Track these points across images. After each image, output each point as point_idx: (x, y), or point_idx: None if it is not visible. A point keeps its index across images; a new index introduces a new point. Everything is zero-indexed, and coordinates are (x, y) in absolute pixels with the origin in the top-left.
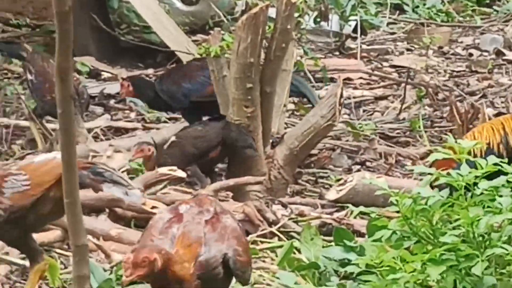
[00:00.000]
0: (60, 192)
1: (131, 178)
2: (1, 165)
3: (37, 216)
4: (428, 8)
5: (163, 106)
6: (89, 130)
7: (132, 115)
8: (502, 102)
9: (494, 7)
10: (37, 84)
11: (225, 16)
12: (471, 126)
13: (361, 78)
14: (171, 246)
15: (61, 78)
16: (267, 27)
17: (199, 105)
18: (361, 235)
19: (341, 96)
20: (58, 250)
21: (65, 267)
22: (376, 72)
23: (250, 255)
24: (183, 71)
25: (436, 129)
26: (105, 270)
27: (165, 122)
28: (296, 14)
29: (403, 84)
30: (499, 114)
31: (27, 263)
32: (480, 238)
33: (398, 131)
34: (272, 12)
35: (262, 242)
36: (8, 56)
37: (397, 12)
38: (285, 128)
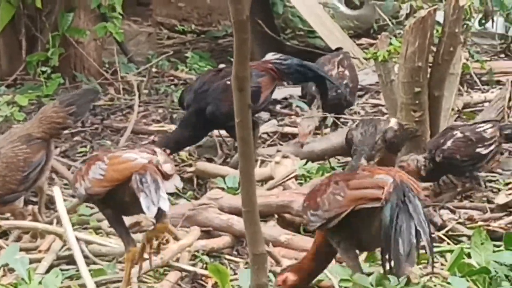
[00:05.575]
0: (124, 196)
1: (300, 184)
2: (113, 149)
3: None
4: None
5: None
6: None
7: (298, 120)
8: None
9: None
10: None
11: (389, 20)
12: None
13: None
14: None
15: (238, 88)
16: (434, 31)
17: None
18: None
19: (510, 99)
20: (227, 256)
21: (235, 273)
22: None
23: None
24: (224, 85)
25: None
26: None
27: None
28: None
29: None
30: None
31: (197, 269)
32: None
33: None
34: (439, 16)
35: None
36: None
37: None
38: None
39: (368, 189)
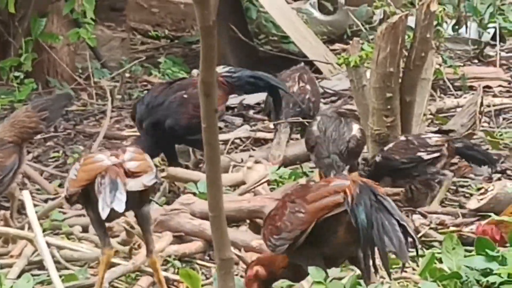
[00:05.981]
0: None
1: (272, 189)
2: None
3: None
4: None
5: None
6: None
7: (271, 125)
8: None
9: None
10: None
11: (363, 25)
12: None
13: (500, 86)
14: None
15: (205, 93)
16: (406, 37)
17: None
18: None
19: (481, 104)
20: (199, 261)
21: (207, 278)
22: None
23: None
24: (181, 98)
25: None
26: None
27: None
28: (434, 23)
29: None
30: None
31: (169, 274)
32: None
33: None
34: (411, 21)
35: None
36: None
37: None
38: None
39: (327, 197)
